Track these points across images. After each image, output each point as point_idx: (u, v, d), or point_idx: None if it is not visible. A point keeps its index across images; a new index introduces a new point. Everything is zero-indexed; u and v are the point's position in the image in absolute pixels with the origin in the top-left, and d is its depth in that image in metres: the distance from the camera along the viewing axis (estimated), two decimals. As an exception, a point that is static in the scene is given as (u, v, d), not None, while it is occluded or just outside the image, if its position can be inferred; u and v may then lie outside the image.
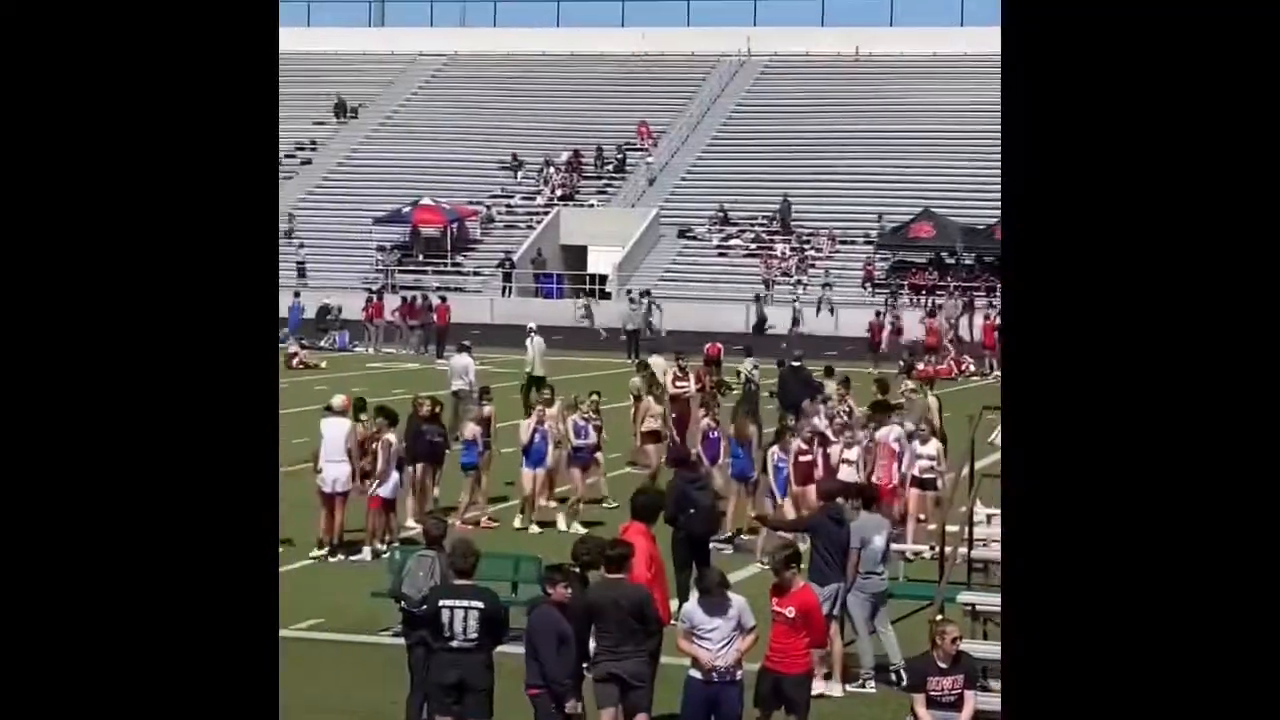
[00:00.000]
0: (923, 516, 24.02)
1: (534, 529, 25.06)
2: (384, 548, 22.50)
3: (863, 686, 17.26)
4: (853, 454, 23.74)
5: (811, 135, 77.14)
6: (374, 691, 16.77)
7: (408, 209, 72.53)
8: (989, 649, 14.69)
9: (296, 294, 59.85)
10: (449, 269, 71.70)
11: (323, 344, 57.17)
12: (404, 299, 60.51)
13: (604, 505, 26.31)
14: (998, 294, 57.54)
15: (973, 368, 51.95)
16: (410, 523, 24.20)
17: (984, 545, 17.94)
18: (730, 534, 24.11)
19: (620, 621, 13.50)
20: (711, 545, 21.49)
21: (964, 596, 16.76)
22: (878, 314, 57.40)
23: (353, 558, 22.80)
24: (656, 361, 36.63)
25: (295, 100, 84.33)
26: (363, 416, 24.57)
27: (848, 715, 16.63)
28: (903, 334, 55.14)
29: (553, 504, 26.22)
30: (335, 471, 23.07)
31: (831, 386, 30.70)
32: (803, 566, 15.25)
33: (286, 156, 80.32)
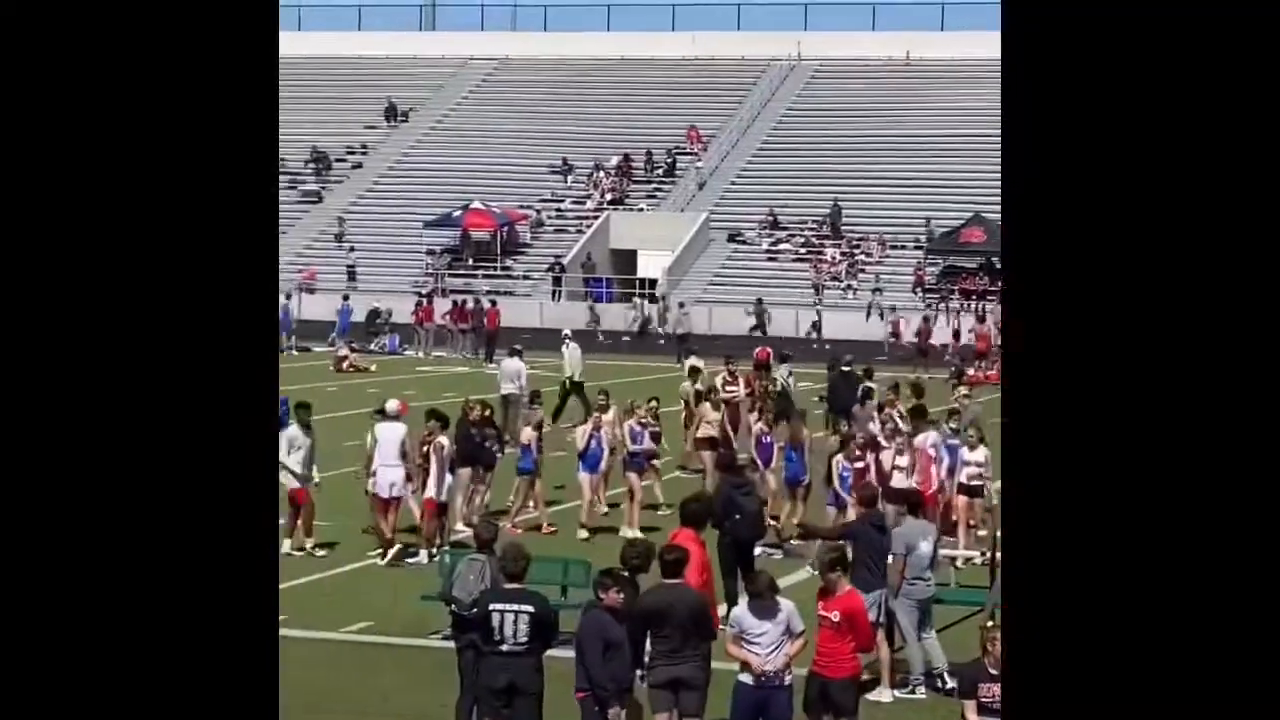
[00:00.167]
0: (973, 522, 23.98)
1: (583, 533, 25.04)
2: (436, 552, 22.55)
3: (912, 693, 17.23)
4: (905, 460, 23.67)
5: (862, 140, 77.02)
6: (423, 694, 16.81)
7: (458, 213, 72.63)
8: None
9: (345, 297, 59.99)
10: (499, 273, 71.79)
11: (373, 347, 57.31)
12: (454, 303, 60.62)
13: (658, 511, 26.29)
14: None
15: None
16: (459, 526, 24.26)
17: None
18: (782, 539, 24.12)
19: (678, 626, 13.52)
20: (760, 550, 21.51)
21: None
22: (925, 320, 57.27)
23: (409, 560, 22.83)
24: (694, 363, 36.71)
25: (346, 104, 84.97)
26: (375, 416, 24.73)
27: (897, 721, 16.64)
28: (930, 336, 55.11)
29: (605, 510, 26.19)
30: (391, 475, 23.14)
31: (879, 391, 30.66)
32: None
33: (337, 160, 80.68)
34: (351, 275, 70.40)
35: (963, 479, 23.82)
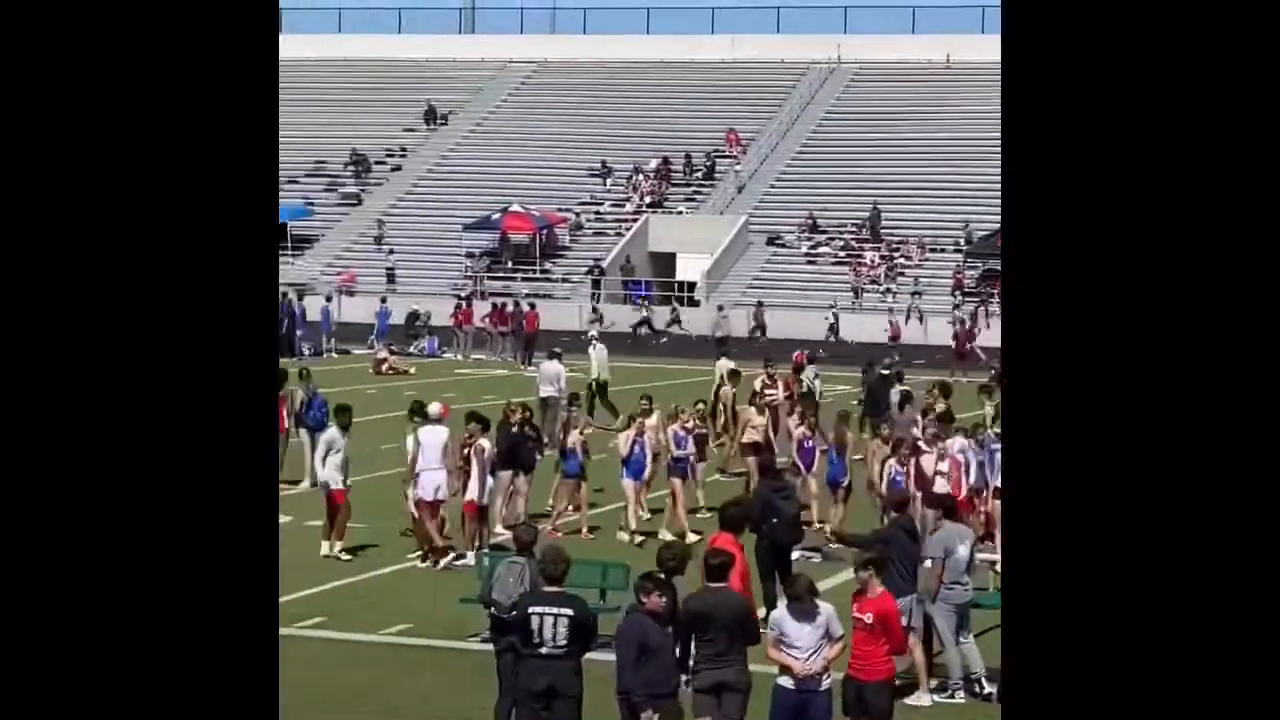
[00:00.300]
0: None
1: (625, 537, 25.02)
2: (476, 554, 22.56)
3: (951, 697, 17.21)
4: (945, 465, 23.61)
5: (901, 143, 76.88)
6: (462, 697, 16.84)
7: (497, 215, 72.71)
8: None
9: (383, 299, 60.10)
10: (538, 276, 71.87)
11: (412, 350, 57.40)
12: (493, 305, 60.69)
13: (697, 514, 26.27)
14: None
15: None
16: (499, 529, 24.28)
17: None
18: (828, 542, 24.15)
19: (723, 630, 13.52)
20: (798, 553, 21.50)
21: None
22: (961, 323, 57.14)
23: (459, 563, 22.83)
24: (723, 365, 36.72)
25: (386, 107, 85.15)
26: (416, 420, 24.73)
27: (936, 725, 16.62)
28: (969, 340, 55.02)
29: (647, 515, 26.13)
30: (436, 479, 23.16)
31: (917, 395, 30.61)
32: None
33: (377, 163, 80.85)
34: (391, 278, 70.53)
35: (998, 483, 23.75)
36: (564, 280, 71.51)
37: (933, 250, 69.91)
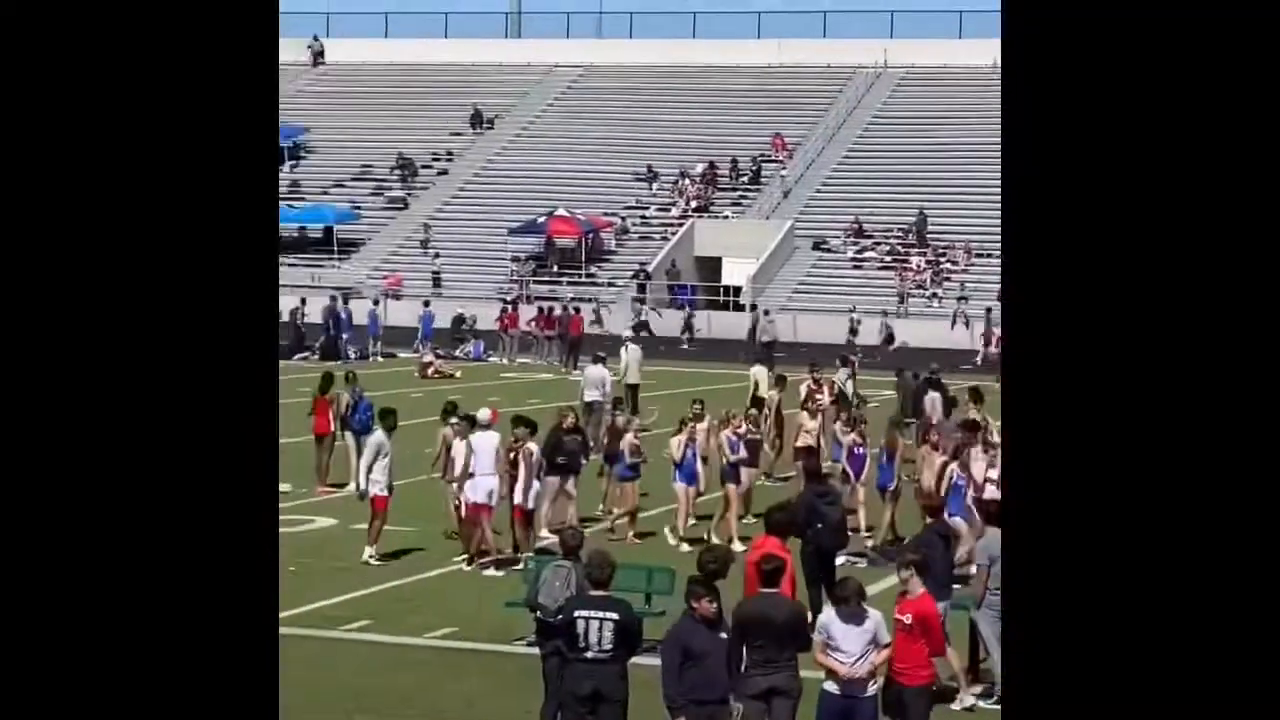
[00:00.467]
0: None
1: (674, 541, 24.94)
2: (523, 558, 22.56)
3: (997, 704, 17.14)
4: (995, 472, 23.49)
5: (948, 147, 76.70)
6: (508, 701, 16.85)
7: (543, 220, 72.79)
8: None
9: (425, 303, 60.20)
10: (583, 280, 71.91)
11: (457, 354, 57.48)
12: (539, 309, 60.75)
13: (743, 519, 26.21)
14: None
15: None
16: (543, 532, 24.28)
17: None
18: (875, 545, 24.13)
19: (775, 636, 13.49)
20: (843, 559, 21.45)
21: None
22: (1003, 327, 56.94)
23: (515, 569, 22.79)
24: (758, 371, 36.64)
25: (432, 111, 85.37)
26: (453, 420, 24.73)
27: (982, 732, 16.57)
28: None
29: (693, 520, 26.08)
30: (490, 483, 23.17)
31: (958, 400, 30.54)
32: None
33: (423, 167, 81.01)
34: (436, 282, 70.67)
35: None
36: (609, 285, 71.50)
37: (979, 255, 69.69)
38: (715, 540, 23.56)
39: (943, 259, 70.13)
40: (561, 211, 72.81)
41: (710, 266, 72.55)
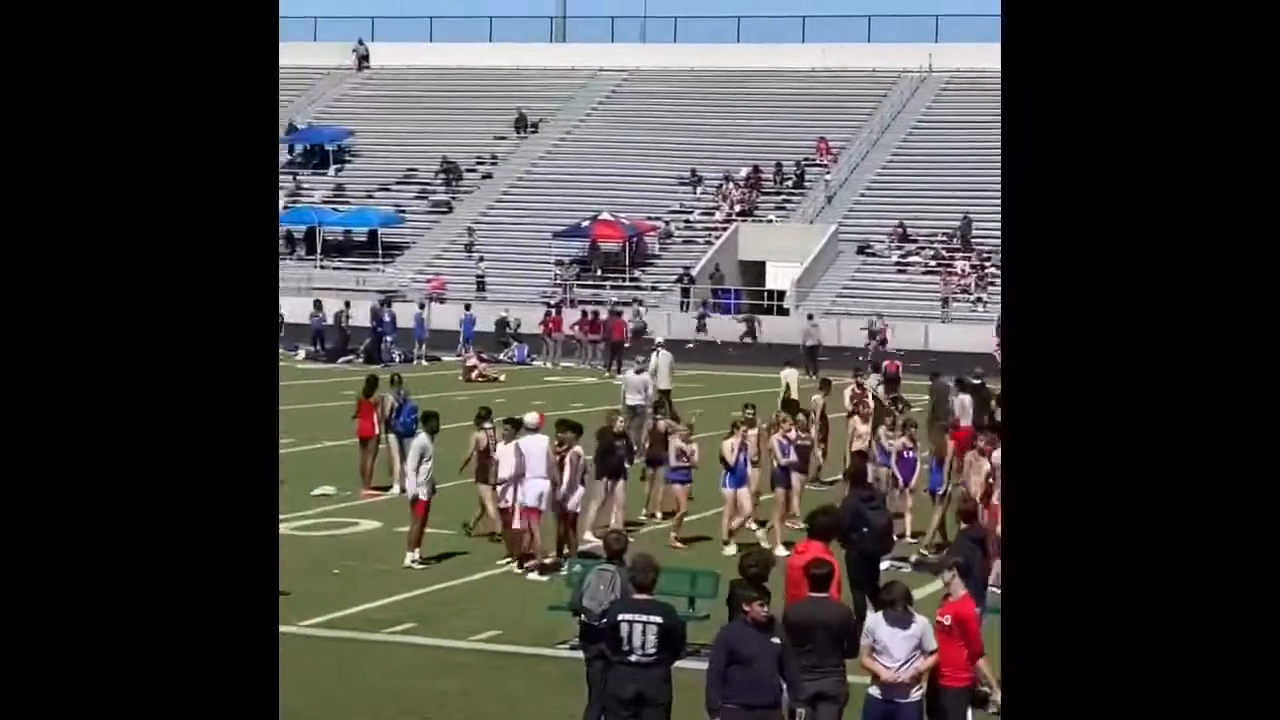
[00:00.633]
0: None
1: (730, 549, 24.83)
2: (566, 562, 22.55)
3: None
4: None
5: (993, 152, 76.25)
6: (551, 704, 16.84)
7: (587, 224, 72.82)
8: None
9: (467, 307, 60.26)
10: (627, 284, 71.92)
11: (501, 357, 57.57)
12: (583, 313, 60.77)
13: (791, 525, 26.15)
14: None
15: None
16: (587, 535, 24.28)
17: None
18: (925, 553, 24.12)
19: (823, 640, 13.47)
20: (888, 563, 21.40)
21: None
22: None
23: (559, 573, 22.77)
24: (789, 374, 36.57)
25: (476, 115, 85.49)
26: (486, 425, 24.73)
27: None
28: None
29: (752, 525, 26.00)
30: (540, 486, 23.17)
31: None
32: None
33: (468, 171, 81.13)
34: (481, 285, 70.75)
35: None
36: (653, 289, 71.49)
37: (1024, 260, 69.44)
38: (765, 544, 23.54)
39: (987, 263, 69.91)
40: (605, 215, 72.84)
41: (754, 271, 72.47)
